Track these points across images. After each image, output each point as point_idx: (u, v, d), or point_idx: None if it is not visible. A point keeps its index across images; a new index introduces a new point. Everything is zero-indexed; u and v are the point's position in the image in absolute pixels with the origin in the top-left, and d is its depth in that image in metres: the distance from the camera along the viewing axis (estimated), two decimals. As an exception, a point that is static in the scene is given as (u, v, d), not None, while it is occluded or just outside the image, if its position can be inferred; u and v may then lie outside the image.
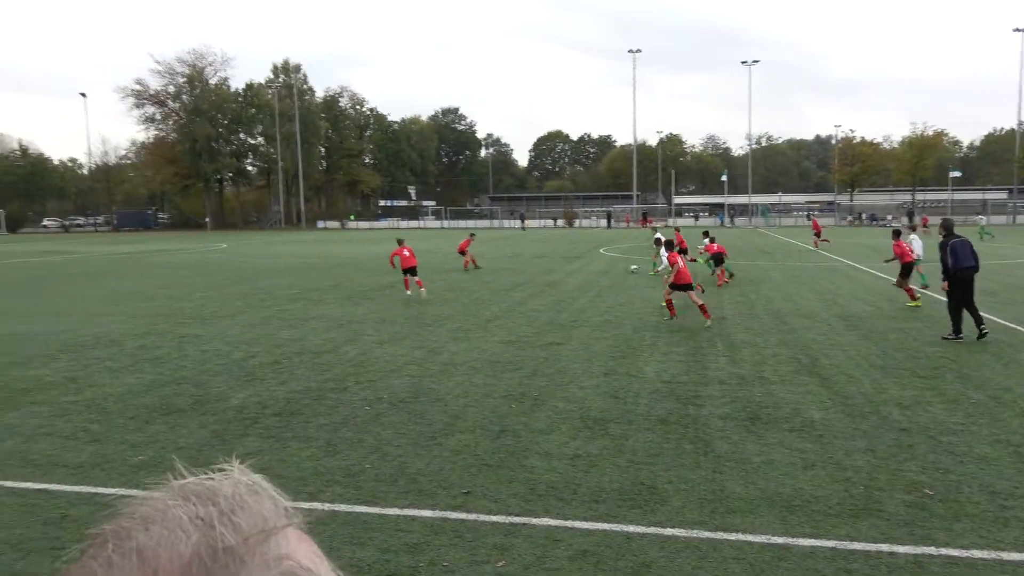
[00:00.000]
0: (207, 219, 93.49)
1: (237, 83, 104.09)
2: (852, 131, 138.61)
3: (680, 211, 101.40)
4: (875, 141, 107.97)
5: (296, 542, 0.50)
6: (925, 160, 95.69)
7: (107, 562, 0.45)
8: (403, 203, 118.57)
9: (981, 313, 12.54)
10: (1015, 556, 4.90)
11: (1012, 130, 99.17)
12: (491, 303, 17.53)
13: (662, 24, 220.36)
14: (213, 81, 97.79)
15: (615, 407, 8.49)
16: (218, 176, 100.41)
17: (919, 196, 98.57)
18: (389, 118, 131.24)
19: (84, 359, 11.41)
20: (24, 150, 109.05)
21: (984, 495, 5.86)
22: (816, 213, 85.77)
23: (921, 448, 6.97)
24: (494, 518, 5.56)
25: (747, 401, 8.68)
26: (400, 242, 20.04)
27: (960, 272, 12.34)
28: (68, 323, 15.06)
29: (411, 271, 19.20)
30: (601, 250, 39.06)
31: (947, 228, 13.20)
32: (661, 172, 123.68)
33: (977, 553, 4.94)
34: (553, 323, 14.49)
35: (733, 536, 5.23)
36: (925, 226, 43.50)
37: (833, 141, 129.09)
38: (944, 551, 4.97)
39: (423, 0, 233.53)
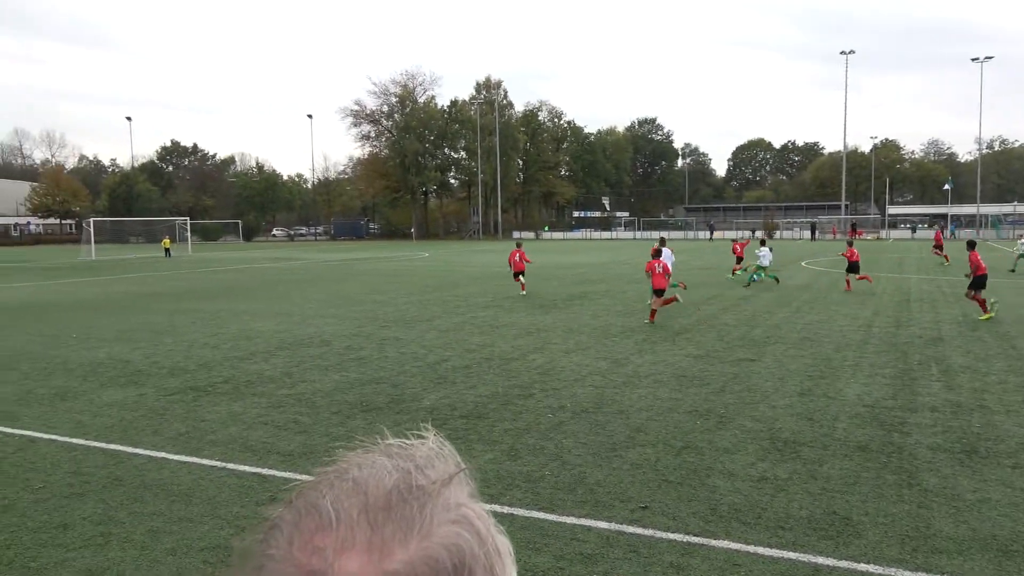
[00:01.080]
0: (412, 229, 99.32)
1: (443, 100, 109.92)
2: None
3: (895, 222, 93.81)
4: None
5: (469, 498, 0.63)
6: None
7: (329, 485, 0.61)
8: (596, 214, 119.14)
9: None
10: None
11: None
12: (680, 316, 17.15)
13: (873, 22, 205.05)
14: (422, 99, 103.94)
15: (809, 429, 8.01)
16: (424, 189, 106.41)
17: None
18: (585, 130, 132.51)
19: (299, 356, 12.52)
20: (260, 167, 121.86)
21: None
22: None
23: None
24: (671, 536, 5.44)
25: (963, 432, 7.85)
26: (518, 245, 23.12)
27: None
28: (288, 323, 16.60)
29: (520, 273, 21.99)
30: (803, 263, 37.00)
31: None
32: (874, 180, 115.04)
33: None
34: (745, 338, 13.93)
35: (937, 579, 4.76)
36: None
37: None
38: None
39: (621, 12, 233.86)
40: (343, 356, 12.49)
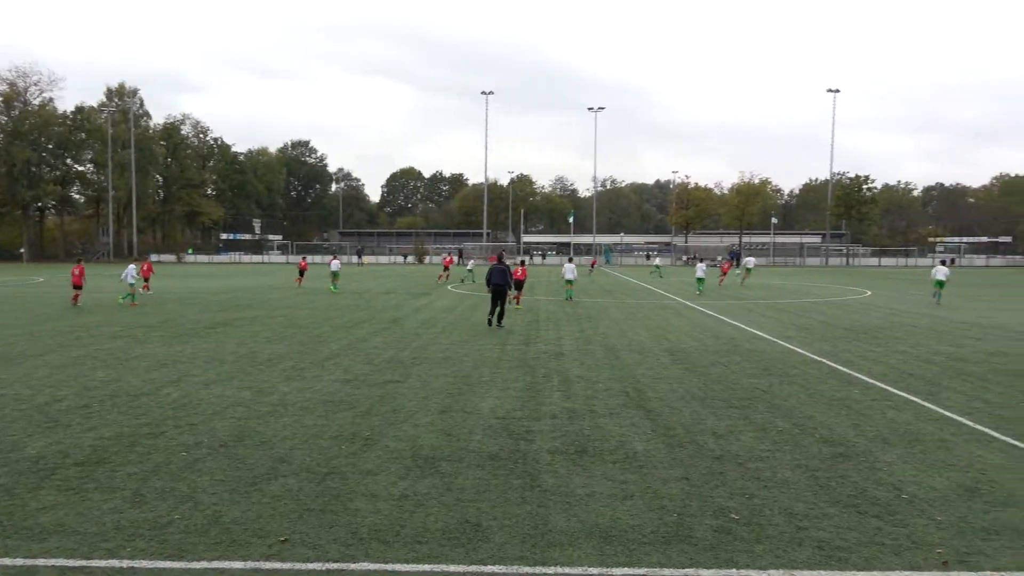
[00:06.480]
0: (23, 250, 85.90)
1: (65, 105, 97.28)
2: (688, 177, 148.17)
3: (528, 249, 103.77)
4: (708, 187, 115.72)
5: None
6: (751, 206, 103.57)
7: None
8: (247, 236, 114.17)
9: (765, 336, 13.60)
10: (807, 574, 5.25)
11: (826, 180, 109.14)
12: (331, 340, 17.09)
13: (508, 64, 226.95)
14: (37, 101, 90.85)
15: (447, 445, 8.44)
16: (39, 204, 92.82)
17: (745, 239, 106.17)
18: (234, 149, 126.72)
19: None
20: None
21: (783, 517, 6.27)
22: (655, 252, 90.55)
23: (731, 475, 7.39)
24: (311, 566, 5.33)
25: (576, 435, 8.88)
26: (79, 261, 27.11)
27: (494, 286, 19.74)
28: None
29: (78, 287, 26.37)
30: (449, 287, 39.20)
31: (498, 257, 21.12)
32: (511, 211, 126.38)
33: (774, 573, 5.25)
34: (393, 360, 14.30)
35: (551, 570, 5.29)
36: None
37: (671, 186, 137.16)
38: (745, 572, 5.25)
39: (270, 29, 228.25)
40: (-82, 403, 10.29)
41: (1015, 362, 14.55)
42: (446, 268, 46.68)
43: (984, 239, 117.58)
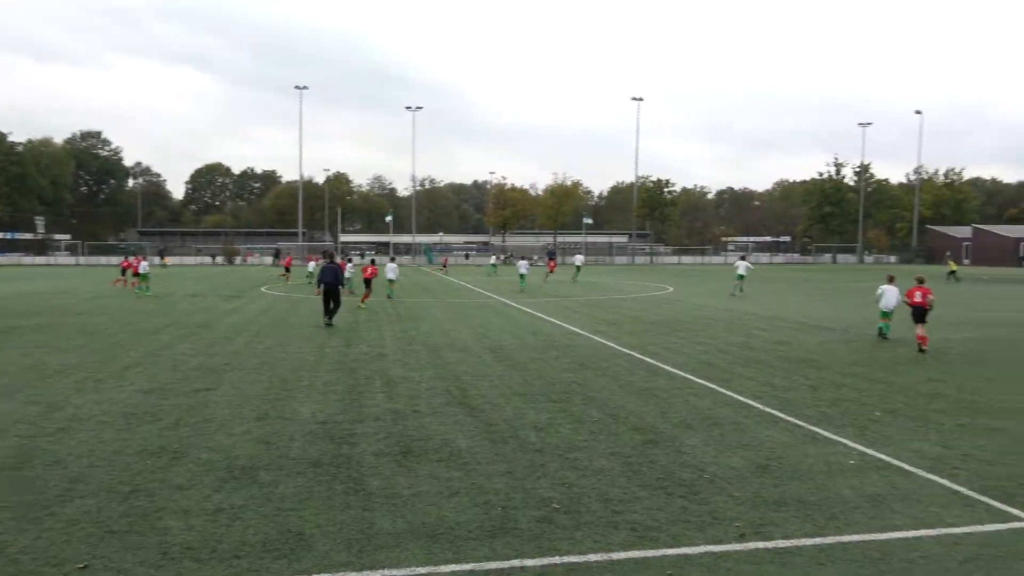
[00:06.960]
0: None
1: None
2: (504, 178, 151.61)
3: (346, 249, 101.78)
4: (524, 188, 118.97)
5: None
6: (564, 207, 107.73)
7: None
8: (28, 236, 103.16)
9: (577, 329, 14.29)
10: (622, 555, 5.55)
11: (632, 183, 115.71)
12: (131, 348, 15.84)
13: (323, 59, 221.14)
14: None
15: (265, 453, 8.10)
16: None
17: (559, 239, 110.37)
18: (11, 138, 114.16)
19: None
20: None
21: (600, 503, 6.59)
22: (474, 251, 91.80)
23: (552, 466, 7.66)
24: (115, 592, 4.93)
25: (400, 436, 8.83)
26: None
27: (325, 285, 20.01)
28: None
29: None
30: (263, 288, 37.61)
31: (328, 256, 21.66)
32: (328, 210, 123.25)
33: (593, 557, 5.51)
34: (203, 367, 13.50)
35: (378, 573, 5.23)
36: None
37: (488, 186, 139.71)
38: (566, 559, 5.46)
39: (52, 10, 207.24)
40: None
41: (795, 350, 16.20)
42: (287, 269, 45.22)
43: (768, 238, 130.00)
